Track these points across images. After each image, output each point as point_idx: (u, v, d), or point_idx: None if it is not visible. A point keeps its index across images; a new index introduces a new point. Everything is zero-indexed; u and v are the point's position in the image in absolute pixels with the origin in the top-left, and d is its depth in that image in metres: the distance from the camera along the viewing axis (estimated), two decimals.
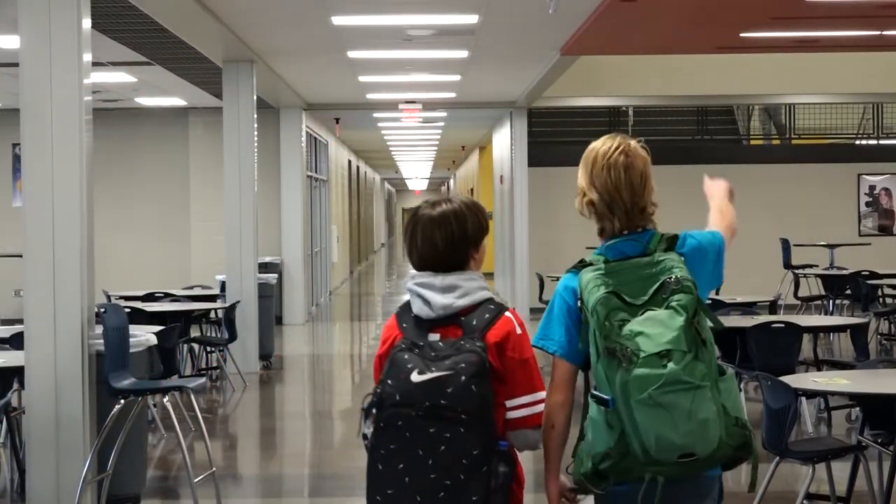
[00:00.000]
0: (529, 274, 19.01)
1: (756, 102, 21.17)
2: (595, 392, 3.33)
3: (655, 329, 3.24)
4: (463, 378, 3.34)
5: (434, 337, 3.46)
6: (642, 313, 3.28)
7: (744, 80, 18.82)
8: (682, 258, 3.43)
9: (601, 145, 3.51)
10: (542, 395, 3.49)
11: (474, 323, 3.45)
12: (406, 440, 3.36)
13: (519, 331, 3.48)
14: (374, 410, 3.40)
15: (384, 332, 3.57)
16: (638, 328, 3.25)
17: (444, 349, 3.40)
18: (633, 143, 3.54)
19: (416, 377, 3.36)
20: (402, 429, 3.36)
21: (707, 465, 3.28)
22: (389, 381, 3.38)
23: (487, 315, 3.46)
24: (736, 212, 3.98)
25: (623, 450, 3.26)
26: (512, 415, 3.46)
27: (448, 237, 3.52)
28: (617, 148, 3.48)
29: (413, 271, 3.58)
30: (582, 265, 3.46)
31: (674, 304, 3.28)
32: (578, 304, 3.40)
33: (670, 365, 3.20)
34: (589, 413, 3.35)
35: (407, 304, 3.55)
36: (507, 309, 3.51)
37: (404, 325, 3.51)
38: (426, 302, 3.49)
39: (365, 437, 3.44)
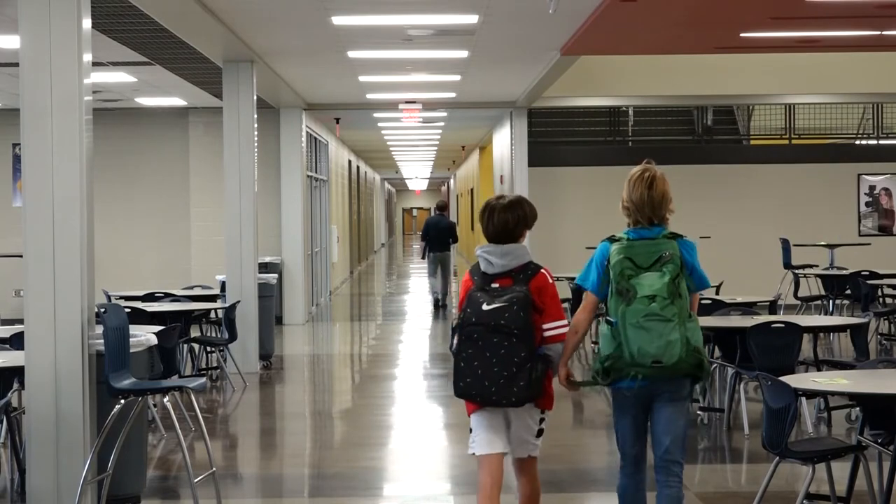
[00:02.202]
0: None
1: (756, 102, 21.16)
2: (607, 318, 5.40)
3: (648, 282, 5.28)
4: (515, 307, 5.36)
5: (495, 285, 5.48)
6: (646, 272, 5.30)
7: (744, 80, 18.82)
8: (678, 246, 5.39)
9: (639, 172, 5.52)
10: (564, 321, 5.51)
11: (521, 277, 5.47)
12: (479, 346, 5.37)
13: (550, 280, 5.54)
14: (458, 328, 5.43)
15: (463, 279, 5.62)
16: (638, 280, 5.29)
17: (501, 291, 5.42)
18: (659, 172, 5.51)
19: (485, 307, 5.39)
20: (476, 339, 5.38)
21: (671, 371, 5.28)
22: (469, 310, 5.42)
23: (529, 271, 5.50)
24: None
25: (619, 354, 5.31)
26: (546, 334, 5.48)
27: (514, 219, 5.58)
28: (651, 177, 5.50)
29: (481, 244, 5.60)
30: (614, 238, 5.48)
31: (664, 268, 5.30)
32: (606, 263, 5.44)
33: (653, 304, 5.23)
34: (601, 331, 5.44)
35: (476, 265, 5.58)
36: (542, 268, 5.55)
37: (475, 277, 5.54)
38: (490, 263, 5.52)
39: (451, 347, 5.49)
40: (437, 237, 21.52)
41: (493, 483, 5.48)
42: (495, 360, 5.33)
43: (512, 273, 5.47)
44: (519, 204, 5.61)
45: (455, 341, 5.45)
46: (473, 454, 5.56)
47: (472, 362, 5.37)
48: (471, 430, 5.56)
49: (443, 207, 22.51)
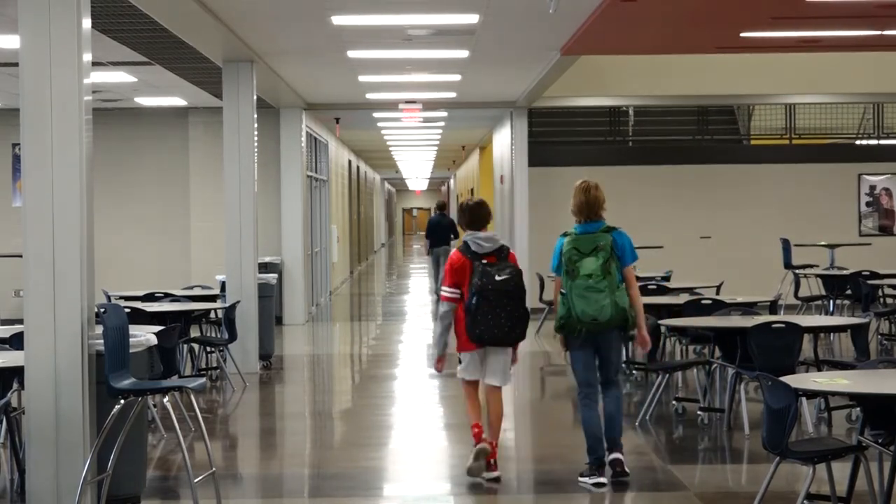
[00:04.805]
0: (530, 274, 18.95)
1: (756, 102, 21.15)
2: (561, 290, 7.75)
3: (588, 264, 7.62)
4: (517, 277, 7.82)
5: (485, 261, 7.82)
6: (586, 257, 7.62)
7: (744, 80, 18.80)
8: (612, 237, 7.73)
9: (579, 183, 7.88)
10: None
11: (501, 254, 7.88)
12: (492, 304, 7.74)
13: (517, 257, 8.11)
14: (476, 292, 7.76)
15: (455, 258, 7.88)
16: (581, 263, 7.63)
17: (502, 266, 7.83)
18: (594, 183, 7.87)
19: (497, 277, 7.76)
20: (491, 300, 7.73)
21: (605, 325, 7.64)
22: (484, 279, 7.73)
23: (505, 251, 7.91)
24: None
25: (568, 315, 7.66)
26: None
27: (486, 213, 8.12)
28: (586, 187, 7.85)
29: (468, 231, 8.02)
30: (566, 234, 7.81)
31: (598, 255, 7.63)
32: (561, 251, 7.76)
33: (590, 280, 7.59)
34: (558, 300, 7.77)
35: (465, 246, 7.90)
36: (510, 249, 7.95)
37: (468, 255, 7.84)
38: (480, 245, 7.86)
39: (469, 306, 7.78)
40: (439, 234, 23.84)
41: (476, 393, 8.05)
42: (503, 314, 7.75)
43: (494, 252, 7.88)
44: (485, 203, 8.20)
45: (474, 301, 7.71)
46: (463, 379, 8.05)
47: (487, 316, 7.74)
48: (459, 361, 8.04)
49: (442, 207, 24.72)
